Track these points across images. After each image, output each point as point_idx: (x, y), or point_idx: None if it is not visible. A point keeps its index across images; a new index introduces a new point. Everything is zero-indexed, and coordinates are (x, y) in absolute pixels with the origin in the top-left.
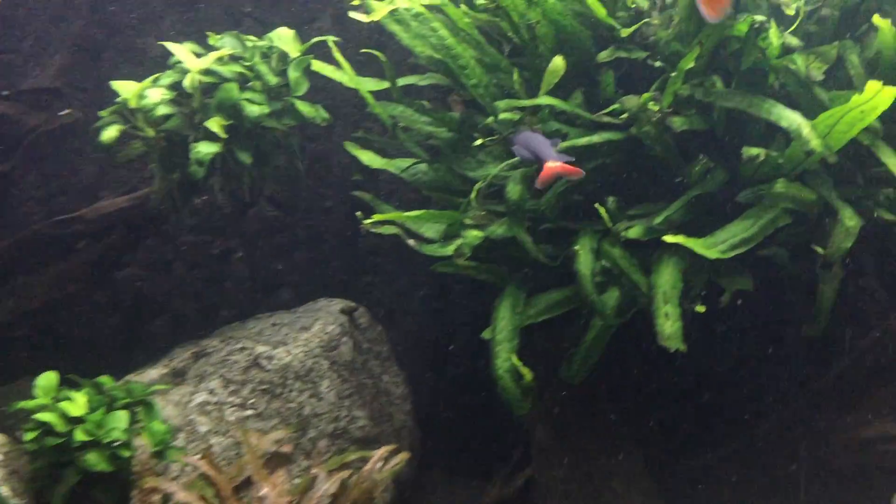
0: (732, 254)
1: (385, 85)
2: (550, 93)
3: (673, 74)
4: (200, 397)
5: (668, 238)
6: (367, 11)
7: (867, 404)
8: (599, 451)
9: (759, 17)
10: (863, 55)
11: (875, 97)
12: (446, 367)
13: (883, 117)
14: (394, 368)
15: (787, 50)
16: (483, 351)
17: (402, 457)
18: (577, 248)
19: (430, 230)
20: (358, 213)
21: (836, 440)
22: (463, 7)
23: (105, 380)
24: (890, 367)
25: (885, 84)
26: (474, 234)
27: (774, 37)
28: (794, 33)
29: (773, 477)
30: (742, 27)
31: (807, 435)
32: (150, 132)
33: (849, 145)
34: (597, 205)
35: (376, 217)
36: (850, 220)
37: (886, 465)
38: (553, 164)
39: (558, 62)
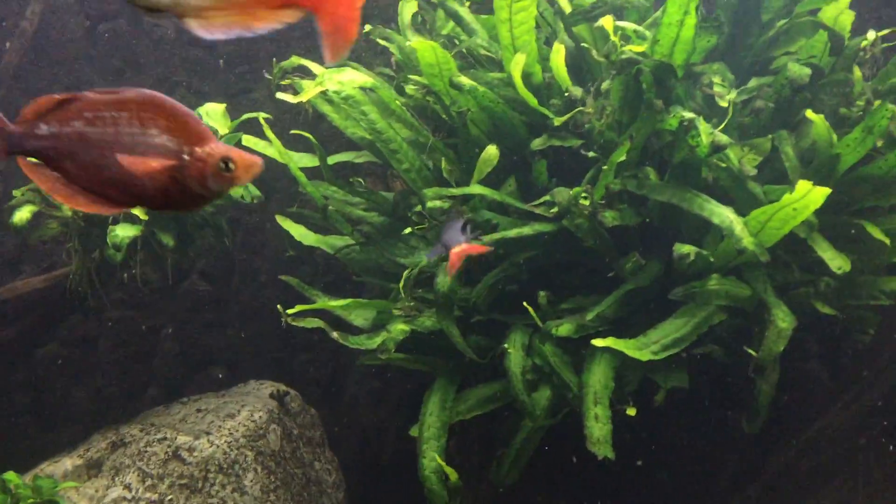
0: (665, 355)
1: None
2: (484, 179)
3: (605, 168)
4: (115, 492)
5: (598, 342)
6: (296, 92)
7: (808, 490)
8: None
9: (688, 115)
10: (798, 146)
11: (806, 196)
12: (384, 450)
13: (819, 209)
14: (326, 455)
15: (716, 148)
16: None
17: None
18: (506, 345)
19: (360, 318)
20: (278, 306)
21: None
22: (394, 92)
23: (11, 476)
24: (831, 462)
25: (821, 175)
26: (399, 329)
27: (704, 134)
28: (727, 125)
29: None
30: (673, 122)
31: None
32: (67, 212)
33: (785, 237)
34: (525, 304)
35: (299, 308)
36: (782, 321)
37: None
38: (457, 249)
39: (492, 151)
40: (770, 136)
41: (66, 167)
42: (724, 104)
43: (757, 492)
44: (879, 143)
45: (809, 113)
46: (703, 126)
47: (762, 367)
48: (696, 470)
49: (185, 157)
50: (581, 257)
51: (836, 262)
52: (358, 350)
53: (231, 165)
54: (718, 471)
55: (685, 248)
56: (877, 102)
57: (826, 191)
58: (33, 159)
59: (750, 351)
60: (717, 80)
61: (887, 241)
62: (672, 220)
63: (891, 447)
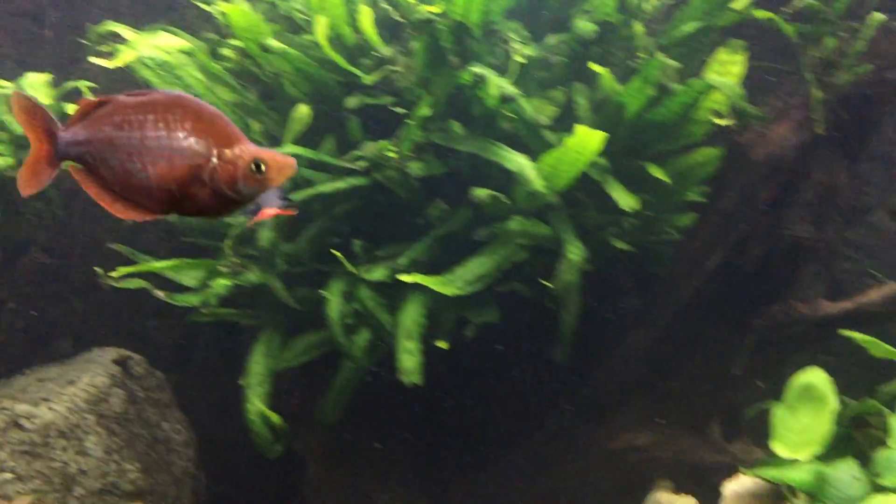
0: (470, 290)
1: None
2: (302, 139)
3: (410, 122)
4: None
5: (404, 277)
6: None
7: (617, 418)
8: (371, 482)
9: (479, 70)
10: (592, 97)
11: (585, 140)
12: (235, 407)
13: (612, 154)
14: (175, 415)
15: (505, 99)
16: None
17: None
18: (325, 292)
19: (190, 278)
20: (96, 268)
21: (593, 453)
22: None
23: None
24: (635, 380)
25: (611, 122)
26: (220, 284)
27: (493, 87)
28: (523, 80)
29: (541, 490)
30: (467, 77)
31: (568, 450)
32: None
33: (582, 180)
34: (336, 252)
35: (123, 270)
36: (573, 254)
37: (636, 473)
38: (268, 212)
39: (303, 110)
40: (565, 88)
41: (101, 173)
42: (519, 59)
43: (569, 414)
44: (652, 92)
45: (592, 65)
46: (492, 80)
47: (559, 297)
48: (513, 398)
49: (214, 159)
50: (397, 208)
51: (625, 200)
52: None
53: (263, 167)
54: (535, 398)
55: (481, 192)
56: (658, 55)
57: (601, 134)
58: (79, 165)
59: (545, 283)
60: (514, 37)
61: (668, 180)
62: (480, 169)
63: (683, 363)
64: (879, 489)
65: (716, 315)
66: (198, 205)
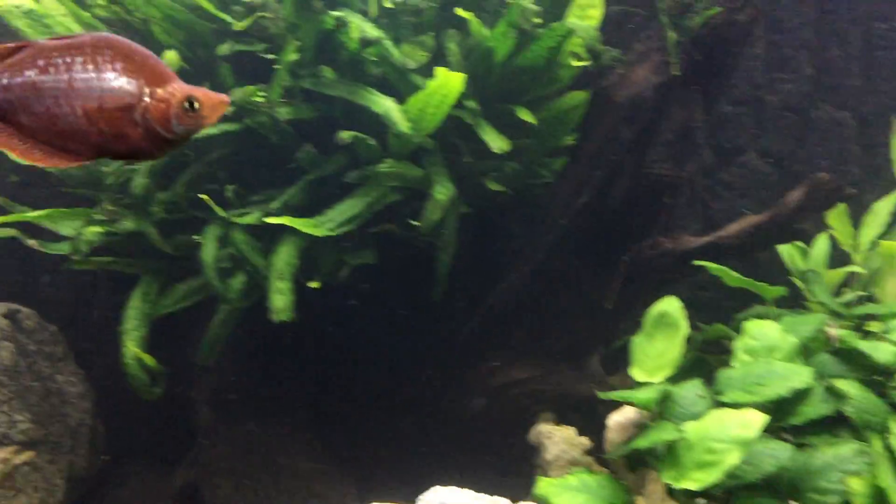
0: (340, 231)
1: None
2: None
3: (279, 68)
4: None
5: (272, 219)
6: None
7: (498, 354)
8: (260, 424)
9: (339, 13)
10: (464, 43)
11: (446, 82)
12: None
13: (485, 98)
14: (70, 368)
15: (365, 42)
16: (156, 340)
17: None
18: (199, 238)
19: (69, 228)
20: None
21: (476, 389)
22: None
23: None
24: (514, 316)
25: (482, 66)
26: (92, 231)
27: (354, 30)
28: (394, 25)
29: (427, 426)
30: (329, 21)
31: (451, 386)
32: None
33: (455, 123)
34: (203, 196)
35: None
36: (439, 194)
37: (518, 407)
38: None
39: (171, 56)
40: (433, 33)
41: (20, 120)
42: (388, 4)
43: (451, 352)
44: (515, 37)
45: (458, 10)
46: (354, 23)
47: (436, 238)
48: (397, 338)
49: (146, 98)
50: (270, 153)
51: (497, 143)
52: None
53: (196, 105)
54: (418, 336)
55: (345, 135)
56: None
57: (461, 76)
58: None
59: (413, 222)
60: None
61: (535, 121)
62: (354, 115)
63: (560, 299)
64: (720, 405)
65: (587, 252)
66: (130, 146)
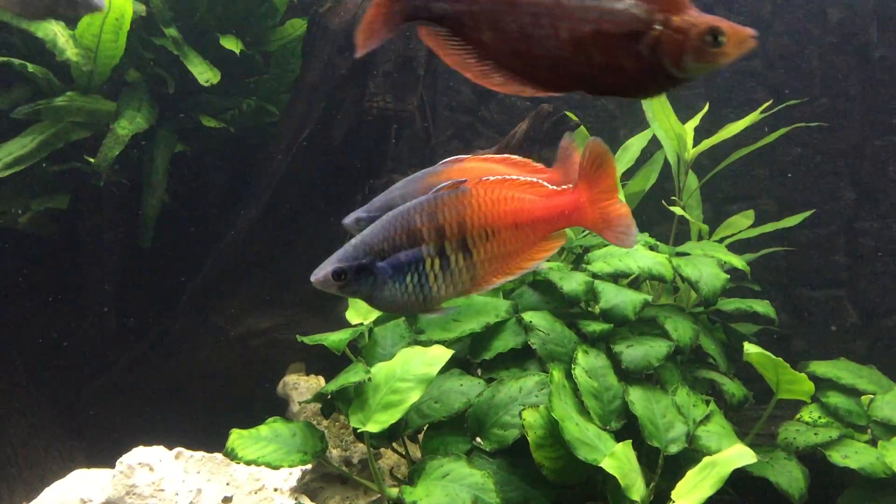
0: (9, 172)
1: None
2: None
3: None
4: None
5: None
6: None
7: (234, 304)
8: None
9: None
10: None
11: (120, 4)
12: None
13: (193, 28)
14: None
15: None
16: None
17: None
18: None
19: None
20: None
21: (216, 342)
22: None
23: None
24: (246, 263)
25: None
26: None
27: None
28: None
29: (171, 385)
30: None
31: (187, 340)
32: None
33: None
34: None
35: None
36: (122, 128)
37: (262, 358)
38: None
39: None
40: None
41: (482, 38)
42: None
43: (182, 304)
44: None
45: None
46: None
47: (98, 171)
48: (118, 293)
49: (658, 27)
50: None
51: (204, 75)
52: None
53: (721, 38)
54: (142, 290)
55: (15, 61)
56: None
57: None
58: (437, 27)
59: (89, 159)
60: None
61: (238, 49)
62: (36, 46)
63: (291, 242)
64: (417, 343)
65: (315, 192)
66: (623, 82)
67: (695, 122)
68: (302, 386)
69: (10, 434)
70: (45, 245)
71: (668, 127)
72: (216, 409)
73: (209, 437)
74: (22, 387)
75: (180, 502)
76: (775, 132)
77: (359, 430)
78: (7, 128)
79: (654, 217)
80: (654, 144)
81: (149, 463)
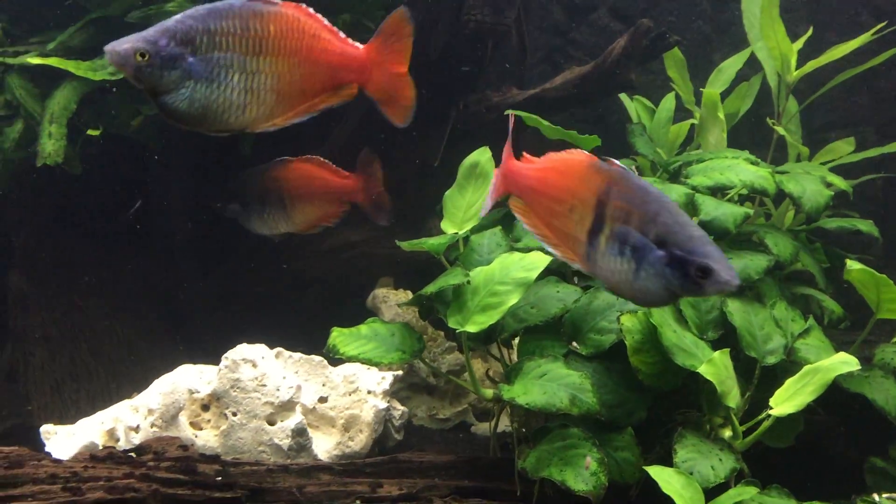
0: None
1: None
2: None
3: None
4: None
5: (36, 59)
6: None
7: None
8: (77, 293)
9: None
10: None
11: None
12: None
13: None
14: None
15: None
16: None
17: None
18: None
19: None
20: None
21: (309, 253)
22: None
23: None
24: None
25: None
26: None
27: None
28: None
29: (262, 290)
30: None
31: (283, 251)
32: None
33: None
34: None
35: None
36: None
37: (354, 271)
38: None
39: None
40: None
41: None
42: None
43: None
44: None
45: None
46: None
47: None
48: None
49: None
50: None
51: None
52: None
53: None
54: None
55: None
56: None
57: None
58: None
59: None
60: None
61: None
62: None
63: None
64: (514, 250)
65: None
66: None
67: (799, 44)
68: (391, 299)
69: (120, 334)
70: (151, 153)
71: (773, 45)
72: (309, 317)
73: (302, 344)
74: (128, 289)
75: (281, 397)
76: (881, 54)
77: (457, 331)
78: (111, 33)
79: (748, 145)
80: (749, 68)
81: (252, 359)
